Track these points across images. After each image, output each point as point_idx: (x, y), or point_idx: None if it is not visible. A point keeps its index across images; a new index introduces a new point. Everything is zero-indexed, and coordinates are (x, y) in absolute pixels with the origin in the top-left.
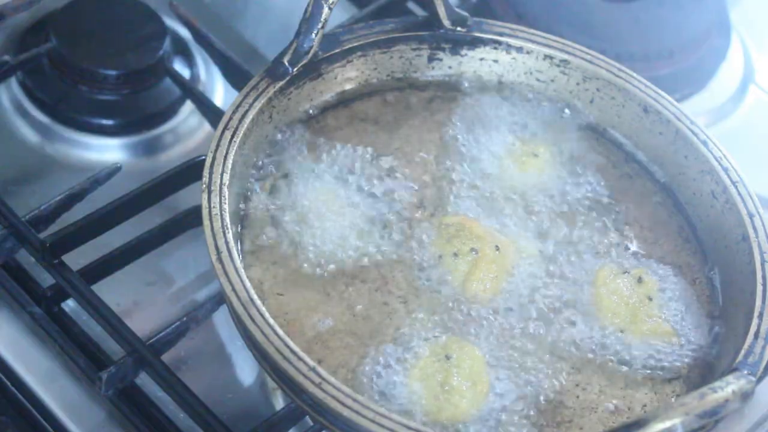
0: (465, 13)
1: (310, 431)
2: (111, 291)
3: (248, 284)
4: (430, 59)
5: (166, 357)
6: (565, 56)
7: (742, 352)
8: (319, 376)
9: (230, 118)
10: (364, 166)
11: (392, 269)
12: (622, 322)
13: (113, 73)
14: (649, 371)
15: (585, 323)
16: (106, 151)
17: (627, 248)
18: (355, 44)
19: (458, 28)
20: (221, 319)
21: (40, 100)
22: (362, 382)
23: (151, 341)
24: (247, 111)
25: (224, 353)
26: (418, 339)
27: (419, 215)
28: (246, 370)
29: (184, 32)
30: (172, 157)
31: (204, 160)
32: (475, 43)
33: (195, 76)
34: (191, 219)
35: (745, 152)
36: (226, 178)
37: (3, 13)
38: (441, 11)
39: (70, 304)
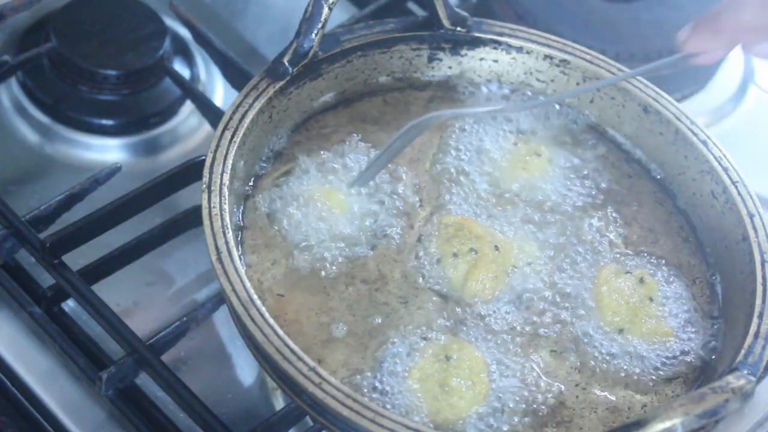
0: (465, 13)
1: (310, 431)
2: (111, 291)
3: (248, 284)
4: (430, 59)
5: (166, 357)
6: (565, 56)
7: (742, 352)
8: (319, 376)
9: (230, 118)
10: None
11: (392, 269)
12: (622, 322)
13: (113, 73)
14: (649, 371)
15: (585, 323)
16: (106, 151)
17: (627, 248)
18: (355, 44)
19: (458, 28)
20: (221, 319)
21: (40, 100)
22: (362, 382)
23: (151, 341)
24: (247, 111)
25: (224, 353)
26: (417, 339)
27: (419, 215)
28: (246, 370)
29: (184, 32)
30: (172, 157)
31: (204, 160)
32: (475, 43)
33: (195, 76)
34: (191, 219)
35: (745, 152)
36: (226, 178)
37: (3, 13)
38: (441, 11)
39: (70, 304)
